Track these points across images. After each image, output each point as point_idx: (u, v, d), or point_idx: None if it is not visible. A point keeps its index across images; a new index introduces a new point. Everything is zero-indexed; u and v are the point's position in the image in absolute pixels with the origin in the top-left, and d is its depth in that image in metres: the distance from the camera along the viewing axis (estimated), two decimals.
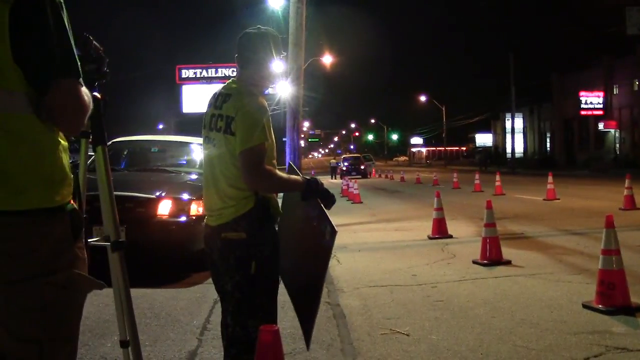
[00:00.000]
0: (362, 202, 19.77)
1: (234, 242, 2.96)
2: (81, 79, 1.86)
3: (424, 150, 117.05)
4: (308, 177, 3.13)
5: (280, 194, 3.31)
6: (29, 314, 1.76)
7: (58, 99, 1.78)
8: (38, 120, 1.78)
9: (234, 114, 2.95)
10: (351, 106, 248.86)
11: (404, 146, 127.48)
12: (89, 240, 2.06)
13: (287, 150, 13.94)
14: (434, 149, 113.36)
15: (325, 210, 2.92)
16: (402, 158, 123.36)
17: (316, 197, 3.04)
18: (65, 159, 1.88)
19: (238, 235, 2.95)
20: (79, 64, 1.87)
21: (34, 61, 1.76)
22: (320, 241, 2.86)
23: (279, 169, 3.05)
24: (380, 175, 49.32)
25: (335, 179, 45.83)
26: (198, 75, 47.33)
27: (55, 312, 1.81)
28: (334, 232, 2.77)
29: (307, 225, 3.16)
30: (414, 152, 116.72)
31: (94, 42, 1.98)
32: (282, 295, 3.23)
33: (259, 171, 2.90)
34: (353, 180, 23.67)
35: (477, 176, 24.91)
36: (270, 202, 3.03)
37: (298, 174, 3.23)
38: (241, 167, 2.91)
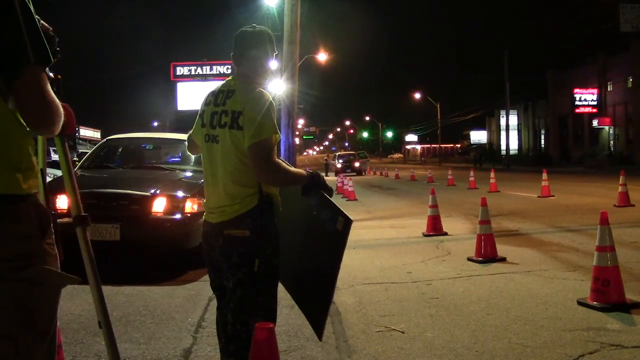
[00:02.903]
0: (357, 200, 19.72)
1: (238, 240, 2.96)
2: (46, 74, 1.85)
3: (418, 147, 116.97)
4: (311, 171, 3.16)
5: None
6: (1, 310, 1.76)
7: (23, 86, 1.78)
8: (7, 107, 1.79)
9: (241, 108, 2.96)
10: (346, 103, 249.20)
11: (398, 143, 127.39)
12: (57, 220, 2.05)
13: (282, 148, 13.99)
14: (429, 146, 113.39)
15: (332, 200, 2.97)
16: (397, 155, 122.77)
17: (320, 190, 3.09)
18: (32, 151, 1.89)
19: (242, 232, 2.95)
20: (49, 50, 1.86)
21: (2, 48, 1.75)
22: (331, 231, 2.91)
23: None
24: (375, 173, 49.18)
25: (328, 176, 45.77)
26: (193, 73, 47.25)
27: (27, 308, 1.81)
28: (348, 221, 2.83)
29: (312, 217, 3.17)
30: (408, 150, 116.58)
31: (42, 22, 1.99)
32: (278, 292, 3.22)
33: (270, 163, 2.92)
34: (348, 178, 23.68)
35: (471, 173, 24.96)
36: (273, 199, 3.05)
37: (297, 169, 3.27)
38: (251, 160, 2.91)
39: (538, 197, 17.75)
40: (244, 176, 2.96)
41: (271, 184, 3.01)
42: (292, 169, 3.07)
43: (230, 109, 3.00)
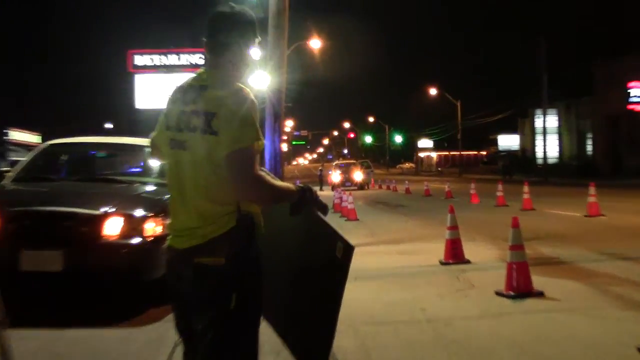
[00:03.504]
0: (358, 220, 19.78)
1: (210, 269, 2.95)
2: None
3: (434, 155, 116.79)
4: (302, 185, 3.19)
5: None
6: None
7: None
8: None
9: (215, 108, 2.95)
10: (345, 102, 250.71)
11: (410, 150, 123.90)
12: None
13: (267, 155, 14.00)
14: (447, 153, 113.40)
15: (327, 221, 3.02)
16: (408, 165, 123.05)
17: (312, 208, 3.14)
18: None
19: (215, 260, 2.94)
20: None
21: None
22: (327, 260, 2.94)
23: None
24: (380, 186, 49.54)
25: (323, 190, 45.97)
26: (155, 63, 47.27)
27: None
28: (349, 248, 2.87)
29: (304, 242, 3.19)
30: (422, 158, 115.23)
31: None
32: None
33: (251, 177, 2.91)
34: (347, 193, 23.61)
35: (499, 187, 24.75)
36: (254, 220, 3.04)
37: (285, 183, 3.28)
38: (229, 173, 2.91)
39: (584, 216, 17.76)
40: (218, 191, 2.95)
41: (253, 202, 3.00)
42: (279, 182, 3.07)
43: (203, 109, 2.99)
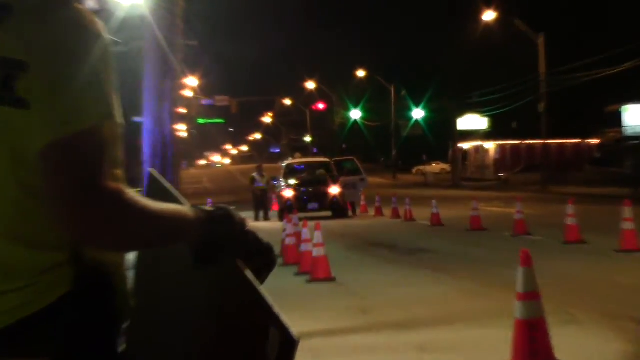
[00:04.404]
0: (333, 279, 12.70)
1: None
2: None
3: (489, 146, 66.65)
4: (207, 208, 1.93)
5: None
6: None
7: None
8: None
9: (24, 55, 1.81)
10: (311, 43, 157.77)
11: (440, 138, 66.02)
12: None
13: (145, 144, 10.33)
14: (516, 143, 65.17)
15: (260, 288, 1.94)
16: (436, 166, 77.27)
17: (233, 255, 1.94)
18: None
19: None
20: None
21: None
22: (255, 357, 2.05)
23: (134, 191, 1.86)
24: (379, 211, 29.65)
25: (267, 219, 29.40)
26: None
27: None
28: (291, 344, 1.97)
29: (209, 323, 2.03)
30: (465, 153, 68.81)
31: None
32: None
33: (95, 194, 1.77)
34: (313, 225, 13.92)
35: (626, 211, 14.63)
36: (113, 280, 1.95)
37: (179, 200, 1.99)
38: (50, 185, 1.81)
39: None
40: (33, 222, 1.88)
41: (106, 246, 1.89)
42: (159, 205, 1.87)
43: None
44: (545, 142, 45.88)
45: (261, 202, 30.01)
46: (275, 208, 31.47)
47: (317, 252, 12.82)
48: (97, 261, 1.83)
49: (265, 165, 39.03)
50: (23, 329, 1.80)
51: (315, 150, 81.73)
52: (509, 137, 64.65)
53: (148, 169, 3.91)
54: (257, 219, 28.86)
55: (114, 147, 1.79)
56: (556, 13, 60.97)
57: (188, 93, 57.18)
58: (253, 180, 30.29)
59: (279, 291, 10.20)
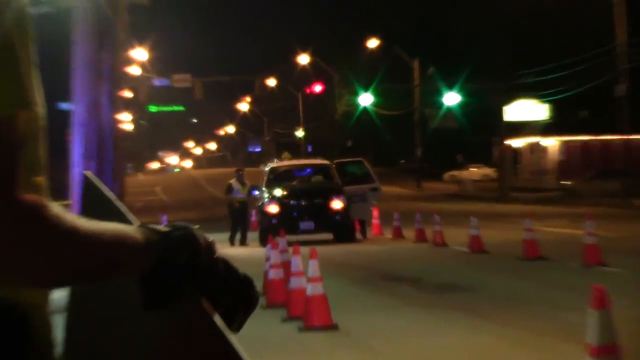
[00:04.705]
0: (333, 326, 9.58)
1: None
2: None
3: (549, 143, 51.45)
4: (162, 228, 1.31)
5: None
6: None
7: None
8: None
9: None
10: (298, 4, 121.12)
11: (482, 133, 50.66)
12: None
13: (76, 141, 8.14)
14: (587, 138, 48.68)
15: (229, 336, 1.29)
16: (476, 170, 62.10)
17: (197, 292, 1.30)
18: None
19: None
20: None
21: None
22: None
23: (60, 204, 1.25)
24: (398, 232, 22.89)
25: (244, 243, 22.69)
26: None
27: None
28: None
29: None
30: (516, 151, 54.42)
31: None
32: None
33: (7, 210, 1.15)
34: (306, 252, 10.78)
35: None
36: (29, 325, 1.28)
37: (123, 217, 1.38)
38: None
39: None
40: None
41: (21, 282, 1.23)
42: (98, 225, 1.23)
43: None
44: (628, 137, 36.76)
45: (241, 218, 22.69)
46: (254, 228, 23.94)
47: (313, 289, 9.70)
48: (8, 301, 1.20)
49: (244, 169, 26.37)
50: None
51: (309, 148, 68.86)
52: (576, 132, 48.95)
53: (81, 172, 2.83)
54: (232, 242, 22.30)
55: (32, 145, 1.21)
56: None
57: (135, 70, 45.74)
58: (230, 189, 22.79)
59: (260, 342, 8.48)
